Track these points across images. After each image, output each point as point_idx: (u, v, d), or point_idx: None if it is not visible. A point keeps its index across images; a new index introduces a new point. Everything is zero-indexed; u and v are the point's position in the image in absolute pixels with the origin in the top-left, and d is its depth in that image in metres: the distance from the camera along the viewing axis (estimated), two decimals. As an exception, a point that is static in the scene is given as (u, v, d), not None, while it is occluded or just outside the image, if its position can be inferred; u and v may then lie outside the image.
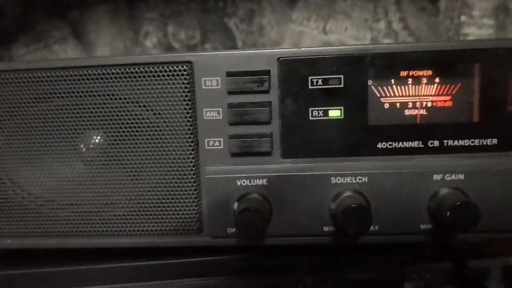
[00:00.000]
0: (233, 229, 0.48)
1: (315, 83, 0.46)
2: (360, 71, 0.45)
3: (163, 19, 0.96)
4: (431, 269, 0.62)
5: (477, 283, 0.62)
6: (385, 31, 0.93)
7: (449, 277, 0.62)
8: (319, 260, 0.51)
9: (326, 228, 0.47)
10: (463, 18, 0.92)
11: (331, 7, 0.94)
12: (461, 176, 0.45)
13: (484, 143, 0.46)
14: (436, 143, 0.46)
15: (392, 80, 0.46)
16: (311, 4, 0.94)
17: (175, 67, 0.46)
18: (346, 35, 0.93)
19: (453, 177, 0.45)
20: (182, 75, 0.46)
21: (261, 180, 0.47)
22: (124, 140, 0.49)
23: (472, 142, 0.46)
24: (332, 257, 0.51)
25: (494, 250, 0.65)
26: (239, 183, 0.47)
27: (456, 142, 0.46)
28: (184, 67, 0.46)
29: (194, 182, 0.48)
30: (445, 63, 0.46)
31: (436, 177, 0.46)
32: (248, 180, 0.47)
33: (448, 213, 0.42)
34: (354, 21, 0.93)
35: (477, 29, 0.91)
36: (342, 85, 0.46)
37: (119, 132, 0.48)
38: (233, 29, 0.95)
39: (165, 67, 0.46)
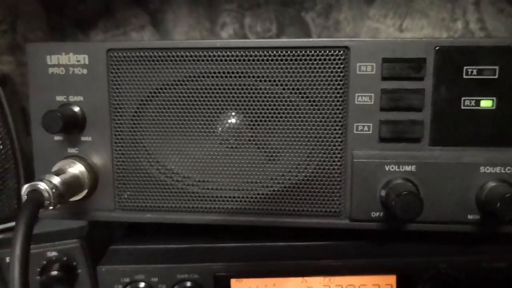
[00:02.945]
0: (377, 214, 0.48)
1: (469, 73, 0.46)
2: (515, 62, 0.46)
3: (241, 10, 0.97)
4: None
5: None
6: (462, 31, 0.94)
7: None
8: (453, 247, 0.51)
9: (470, 216, 0.48)
10: (542, 20, 0.92)
11: (409, 5, 0.94)
12: None
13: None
14: None
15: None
16: (389, 2, 0.94)
17: (332, 51, 0.47)
18: (421, 34, 0.93)
19: None
20: (339, 59, 0.47)
21: (409, 166, 0.47)
22: (266, 121, 0.49)
23: None
24: (464, 244, 0.51)
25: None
26: (387, 168, 0.48)
27: None
28: (341, 52, 0.47)
29: (341, 165, 0.49)
30: None
31: None
32: (396, 166, 0.48)
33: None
34: (430, 20, 0.93)
35: (553, 32, 0.91)
36: (496, 76, 0.46)
37: (262, 114, 0.49)
38: (310, 23, 0.96)
39: (322, 51, 0.47)
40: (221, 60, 0.49)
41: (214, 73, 0.49)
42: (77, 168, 0.50)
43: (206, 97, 0.50)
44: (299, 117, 0.49)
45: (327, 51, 0.47)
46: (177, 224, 0.53)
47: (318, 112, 0.48)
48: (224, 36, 0.98)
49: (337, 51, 0.47)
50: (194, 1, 0.98)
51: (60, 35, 0.96)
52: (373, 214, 0.48)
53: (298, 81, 0.48)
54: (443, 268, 0.51)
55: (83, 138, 0.52)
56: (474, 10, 0.94)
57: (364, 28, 0.95)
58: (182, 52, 0.49)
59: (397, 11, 0.95)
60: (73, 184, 0.49)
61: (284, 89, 0.49)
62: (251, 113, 0.50)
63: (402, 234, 0.51)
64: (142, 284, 0.51)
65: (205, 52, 0.49)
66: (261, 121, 0.50)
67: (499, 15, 0.93)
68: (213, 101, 0.50)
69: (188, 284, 0.51)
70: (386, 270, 0.51)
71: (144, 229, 0.60)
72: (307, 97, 0.48)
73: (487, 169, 0.47)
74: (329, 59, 0.47)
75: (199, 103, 0.50)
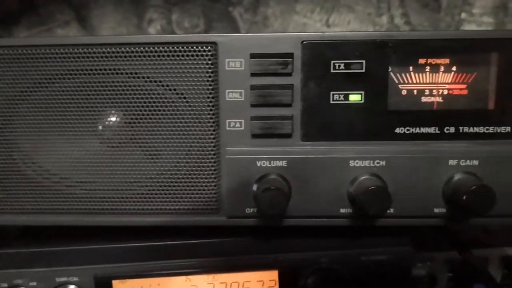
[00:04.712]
0: (252, 210, 0.48)
1: (337, 67, 0.46)
2: (382, 57, 0.46)
3: (168, 6, 0.95)
4: (432, 258, 0.63)
5: (481, 270, 0.64)
6: (387, 26, 0.95)
7: (451, 265, 0.64)
8: (334, 242, 0.52)
9: (343, 210, 0.48)
10: (463, 15, 0.94)
11: (335, 0, 0.94)
12: (476, 162, 0.47)
13: (498, 130, 0.47)
14: (452, 129, 0.48)
15: (411, 67, 0.47)
16: (315, -4, 0.94)
17: (199, 47, 0.46)
18: (348, 29, 0.94)
19: (468, 162, 0.47)
20: (207, 55, 0.47)
21: (281, 161, 0.47)
22: (143, 119, 0.49)
23: (487, 129, 0.47)
24: (346, 238, 0.52)
25: (493, 240, 0.67)
26: (258, 164, 0.47)
27: (471, 129, 0.48)
28: (209, 47, 0.46)
29: (214, 162, 0.48)
30: (462, 52, 0.47)
31: (452, 162, 0.47)
32: (268, 162, 0.47)
33: (464, 197, 0.43)
34: (357, 15, 0.94)
35: (477, 26, 0.93)
36: (363, 70, 0.46)
37: (139, 111, 0.49)
38: (238, 18, 0.96)
39: (190, 47, 0.46)
40: (92, 57, 0.48)
41: (87, 70, 0.48)
42: None
43: (82, 95, 0.49)
44: (175, 114, 0.48)
45: (196, 47, 0.47)
46: (61, 226, 0.52)
47: (192, 109, 0.48)
48: (152, 32, 0.96)
49: (205, 47, 0.46)
50: (119, -3, 0.96)
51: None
52: (248, 211, 0.48)
53: (170, 77, 0.47)
54: (324, 262, 0.51)
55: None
56: (399, 5, 0.95)
57: (292, 23, 0.95)
58: (52, 50, 0.48)
59: (324, 6, 0.95)
60: None
61: (158, 86, 0.48)
62: (130, 111, 0.49)
63: (286, 229, 0.51)
64: (20, 289, 0.50)
65: (75, 49, 0.48)
66: (140, 119, 0.49)
67: (423, 10, 0.95)
68: (90, 99, 0.49)
69: (69, 287, 0.50)
70: (268, 266, 0.51)
71: (34, 232, 0.58)
72: (180, 94, 0.48)
73: (357, 162, 0.47)
74: (198, 55, 0.47)
75: (75, 101, 0.49)
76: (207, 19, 0.95)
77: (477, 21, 0.94)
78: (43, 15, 0.96)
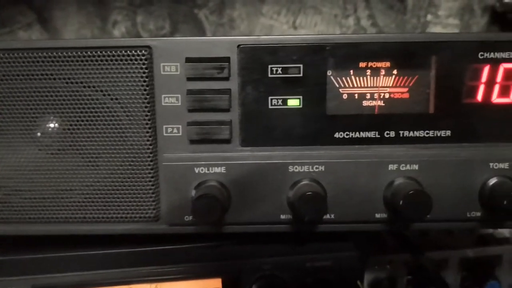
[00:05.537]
0: (191, 217, 0.47)
1: (274, 72, 0.46)
2: (320, 61, 0.46)
3: (133, 8, 0.94)
4: (392, 260, 0.63)
5: (434, 274, 0.64)
6: (354, 28, 0.94)
7: (409, 268, 0.64)
8: (278, 248, 0.51)
9: (283, 216, 0.47)
10: (429, 17, 0.94)
11: (302, 2, 0.94)
12: (416, 167, 0.46)
13: (439, 134, 0.47)
14: (392, 134, 0.47)
15: (351, 71, 0.46)
16: (282, -2, 0.94)
17: (133, 51, 0.45)
18: (315, 30, 0.94)
19: (408, 167, 0.46)
20: (141, 59, 0.45)
21: (219, 168, 0.46)
22: (81, 125, 0.48)
23: (427, 133, 0.47)
24: (290, 245, 0.51)
25: (452, 242, 0.67)
26: (197, 171, 0.47)
27: (412, 133, 0.47)
28: (143, 51, 0.45)
29: (152, 169, 0.47)
30: (403, 55, 0.46)
31: (392, 167, 0.46)
32: (206, 168, 0.47)
33: (401, 202, 0.43)
34: (324, 16, 0.94)
35: (443, 28, 0.93)
36: (301, 75, 0.46)
37: (77, 117, 0.47)
38: (203, 20, 0.95)
39: (124, 51, 0.45)
40: (27, 62, 0.46)
41: (22, 75, 0.47)
42: None
43: (19, 100, 0.47)
44: (112, 120, 0.47)
45: (130, 51, 0.45)
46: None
47: (128, 114, 0.47)
48: (117, 34, 0.95)
49: (138, 51, 0.45)
50: (82, -2, 0.94)
51: None
52: (187, 218, 0.47)
53: (106, 83, 0.46)
54: (268, 269, 0.50)
55: None
56: (365, 7, 0.95)
57: (258, 25, 0.94)
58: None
59: (290, 8, 0.94)
60: None
61: (94, 91, 0.47)
62: (69, 117, 0.48)
63: (229, 236, 0.50)
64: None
65: (10, 54, 0.46)
66: (80, 125, 0.48)
67: (389, 11, 0.95)
68: (27, 105, 0.48)
69: (6, 298, 0.49)
70: (211, 274, 0.50)
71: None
72: (116, 99, 0.47)
73: (296, 168, 0.47)
74: (132, 60, 0.46)
75: (11, 107, 0.48)
76: (173, 21, 0.94)
77: (443, 23, 0.94)
78: (4, 17, 0.94)
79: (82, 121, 0.48)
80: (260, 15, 0.94)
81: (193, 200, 0.44)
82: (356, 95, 0.47)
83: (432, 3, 0.93)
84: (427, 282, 0.62)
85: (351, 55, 0.46)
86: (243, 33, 0.94)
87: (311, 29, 0.94)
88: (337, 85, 0.47)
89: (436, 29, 0.93)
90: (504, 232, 0.71)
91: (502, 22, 0.93)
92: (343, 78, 0.47)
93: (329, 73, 0.46)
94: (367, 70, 0.47)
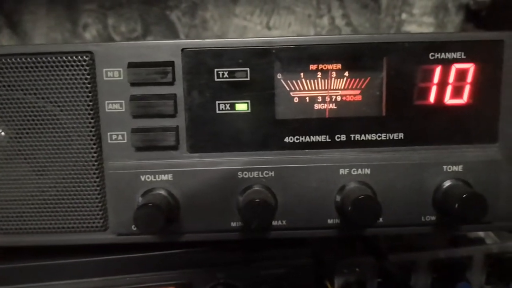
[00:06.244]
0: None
1: (221, 76, 0.44)
2: (267, 64, 0.44)
3: (103, 10, 0.92)
4: (361, 263, 0.62)
5: (403, 277, 0.63)
6: (329, 27, 0.93)
7: (379, 271, 0.62)
8: (232, 256, 0.50)
9: (233, 224, 0.46)
10: (404, 16, 0.93)
11: (275, 2, 0.93)
12: (368, 171, 0.45)
13: (391, 137, 0.46)
14: (343, 137, 0.46)
15: (301, 74, 0.45)
16: (254, -1, 0.93)
17: (74, 57, 0.44)
18: (289, 31, 0.92)
19: (360, 171, 0.45)
20: (82, 65, 0.44)
21: (166, 175, 0.45)
22: (26, 133, 0.46)
23: (379, 136, 0.46)
24: (244, 253, 0.50)
25: (422, 243, 0.66)
26: (143, 179, 0.45)
27: (363, 137, 0.46)
28: (84, 57, 0.44)
29: (97, 177, 0.46)
30: (354, 57, 0.45)
31: (343, 171, 0.45)
32: (152, 176, 0.45)
33: (350, 208, 0.42)
34: (297, 16, 0.92)
35: (418, 27, 0.92)
36: (248, 78, 0.45)
37: (21, 125, 0.46)
38: (176, 22, 0.93)
39: (65, 57, 0.44)
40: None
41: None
42: None
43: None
44: (56, 127, 0.46)
45: (71, 57, 0.44)
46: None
47: (71, 121, 0.45)
48: (88, 37, 0.93)
49: (79, 57, 0.44)
50: (51, 1, 0.92)
51: None
52: (134, 227, 0.46)
53: (48, 89, 0.45)
54: (222, 277, 0.49)
55: None
56: (338, 6, 0.94)
57: (232, 27, 0.93)
58: None
59: (263, 8, 0.93)
60: None
61: (38, 98, 0.45)
62: (14, 125, 0.46)
63: (182, 244, 0.49)
64: None
65: None
66: (26, 133, 0.46)
67: (363, 11, 0.94)
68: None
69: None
70: (164, 283, 0.49)
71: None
72: (59, 106, 0.45)
73: (246, 174, 0.45)
74: (74, 65, 0.44)
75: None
76: (144, 23, 0.93)
77: (418, 22, 0.93)
78: (-28, 21, 0.92)
79: (28, 128, 0.46)
80: (233, 16, 0.93)
81: (135, 209, 0.42)
82: (307, 98, 0.46)
83: (406, 2, 0.93)
84: (392, 285, 0.61)
85: (300, 58, 0.45)
86: (216, 34, 0.93)
87: (285, 29, 0.93)
88: (288, 89, 0.45)
89: (411, 27, 0.92)
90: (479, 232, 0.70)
91: (477, 20, 0.92)
92: (294, 81, 0.45)
93: (278, 76, 0.45)
94: (318, 73, 0.45)
